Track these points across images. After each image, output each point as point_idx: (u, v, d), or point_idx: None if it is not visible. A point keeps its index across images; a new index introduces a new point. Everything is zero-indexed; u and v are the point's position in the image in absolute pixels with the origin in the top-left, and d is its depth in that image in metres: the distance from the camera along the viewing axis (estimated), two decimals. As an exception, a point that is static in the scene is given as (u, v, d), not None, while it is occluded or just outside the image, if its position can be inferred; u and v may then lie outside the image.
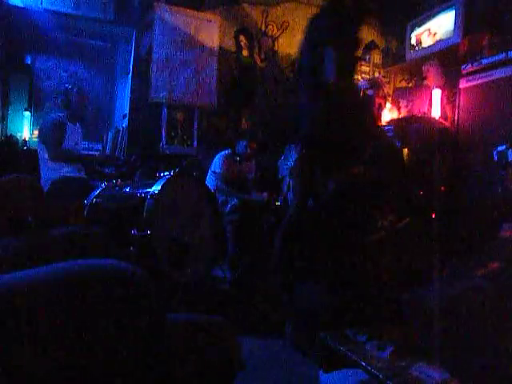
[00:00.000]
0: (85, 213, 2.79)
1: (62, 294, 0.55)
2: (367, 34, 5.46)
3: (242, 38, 5.09)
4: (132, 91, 4.64)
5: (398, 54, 4.83)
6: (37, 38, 4.58)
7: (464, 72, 3.44)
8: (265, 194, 3.96)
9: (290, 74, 5.32)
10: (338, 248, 1.68)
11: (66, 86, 3.72)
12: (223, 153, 3.99)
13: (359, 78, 4.73)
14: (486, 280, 1.43)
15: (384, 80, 4.42)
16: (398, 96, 4.12)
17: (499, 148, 2.85)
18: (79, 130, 3.75)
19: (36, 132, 4.54)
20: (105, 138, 4.70)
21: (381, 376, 1.19)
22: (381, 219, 1.62)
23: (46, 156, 3.46)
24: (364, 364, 1.27)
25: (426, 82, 3.91)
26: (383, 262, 1.64)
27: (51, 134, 3.45)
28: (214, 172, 3.91)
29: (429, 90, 3.79)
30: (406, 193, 2.35)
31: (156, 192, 2.59)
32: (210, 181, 3.88)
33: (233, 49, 5.06)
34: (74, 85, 3.76)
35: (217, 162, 3.96)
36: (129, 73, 4.82)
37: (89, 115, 3.93)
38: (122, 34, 4.90)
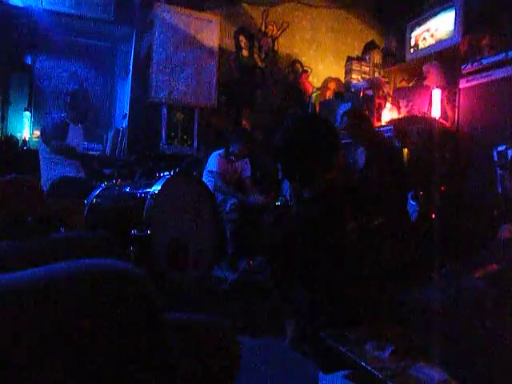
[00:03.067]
0: (85, 213, 2.79)
1: (61, 294, 0.55)
2: (367, 34, 5.46)
3: (241, 38, 5.09)
4: (132, 91, 4.64)
5: (398, 54, 4.83)
6: (37, 38, 4.57)
7: (464, 72, 3.44)
8: (261, 197, 3.92)
9: (289, 73, 5.32)
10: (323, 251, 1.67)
11: (73, 86, 3.72)
12: (217, 152, 4.01)
13: (359, 77, 4.73)
14: (486, 281, 1.43)
15: (384, 80, 4.42)
16: (398, 96, 4.12)
17: (499, 148, 2.84)
18: (81, 131, 3.75)
19: (36, 132, 4.54)
20: (105, 138, 4.70)
21: (381, 376, 1.19)
22: (353, 221, 1.62)
23: (48, 156, 3.45)
24: (364, 364, 1.27)
25: (426, 83, 3.91)
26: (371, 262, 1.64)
27: (53, 135, 3.45)
28: (211, 171, 3.92)
29: (429, 90, 3.79)
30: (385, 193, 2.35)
31: (156, 192, 2.59)
32: (205, 180, 3.89)
33: (233, 49, 5.06)
34: (80, 85, 3.76)
35: (211, 162, 3.97)
36: (129, 73, 4.82)
37: (89, 115, 3.93)
38: (122, 34, 4.89)
